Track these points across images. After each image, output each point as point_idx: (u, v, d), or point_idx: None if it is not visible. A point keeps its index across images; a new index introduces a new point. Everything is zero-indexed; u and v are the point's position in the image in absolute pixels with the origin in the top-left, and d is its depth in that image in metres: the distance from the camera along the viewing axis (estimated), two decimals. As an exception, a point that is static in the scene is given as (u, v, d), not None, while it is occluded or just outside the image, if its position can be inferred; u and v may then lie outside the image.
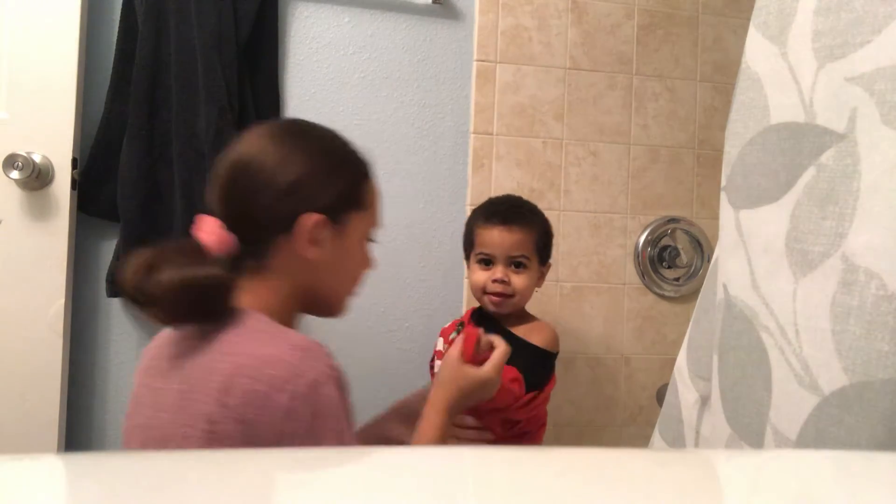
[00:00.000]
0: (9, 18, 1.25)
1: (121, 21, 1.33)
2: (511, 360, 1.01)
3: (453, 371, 0.94)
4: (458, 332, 1.20)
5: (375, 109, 1.49)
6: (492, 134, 1.52)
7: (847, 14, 0.61)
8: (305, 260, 0.79)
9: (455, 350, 0.96)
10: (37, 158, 1.25)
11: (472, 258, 1.20)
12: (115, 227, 1.34)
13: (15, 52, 1.26)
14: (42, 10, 1.26)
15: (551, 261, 1.23)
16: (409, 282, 1.52)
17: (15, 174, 1.23)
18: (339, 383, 0.73)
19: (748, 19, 0.76)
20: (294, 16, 1.45)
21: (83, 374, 1.37)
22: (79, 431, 1.36)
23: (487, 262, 1.17)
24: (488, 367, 0.95)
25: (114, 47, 1.34)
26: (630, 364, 1.59)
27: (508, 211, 1.19)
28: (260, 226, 0.79)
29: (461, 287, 1.52)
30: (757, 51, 0.74)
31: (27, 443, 1.26)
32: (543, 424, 1.19)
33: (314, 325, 1.47)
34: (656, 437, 0.94)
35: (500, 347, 0.98)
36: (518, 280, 1.15)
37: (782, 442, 0.64)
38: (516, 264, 1.15)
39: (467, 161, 1.52)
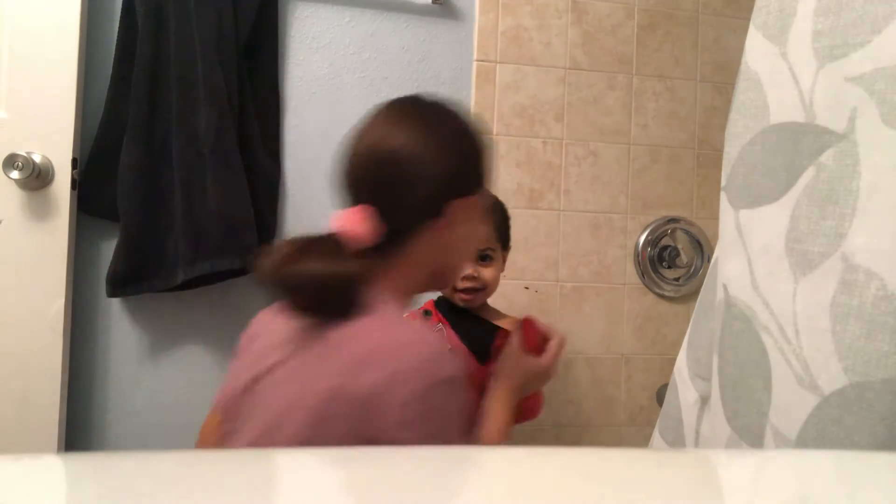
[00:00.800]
0: (9, 18, 1.25)
1: (121, 20, 1.33)
2: (490, 346, 1.03)
3: (518, 360, 1.00)
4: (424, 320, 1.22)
5: (375, 109, 1.49)
6: (492, 134, 1.52)
7: (847, 14, 0.61)
8: (444, 241, 0.82)
9: (516, 342, 1.02)
10: (37, 158, 1.25)
11: None
12: (115, 227, 1.34)
13: (15, 52, 1.26)
14: (42, 10, 1.26)
15: (511, 243, 1.22)
16: (409, 282, 1.51)
17: (15, 174, 1.23)
18: (463, 385, 0.74)
19: (748, 19, 0.76)
20: (294, 16, 1.45)
21: (83, 374, 1.37)
22: (79, 431, 1.36)
23: None
24: (548, 357, 1.01)
25: (114, 47, 1.34)
26: (630, 364, 1.59)
27: None
28: (413, 214, 0.80)
29: (461, 287, 1.52)
30: (757, 51, 0.74)
31: (27, 443, 1.26)
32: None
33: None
34: (656, 437, 0.94)
35: (557, 337, 1.03)
36: (487, 272, 1.15)
37: (782, 442, 0.64)
38: (482, 258, 1.15)
39: (467, 161, 1.52)
